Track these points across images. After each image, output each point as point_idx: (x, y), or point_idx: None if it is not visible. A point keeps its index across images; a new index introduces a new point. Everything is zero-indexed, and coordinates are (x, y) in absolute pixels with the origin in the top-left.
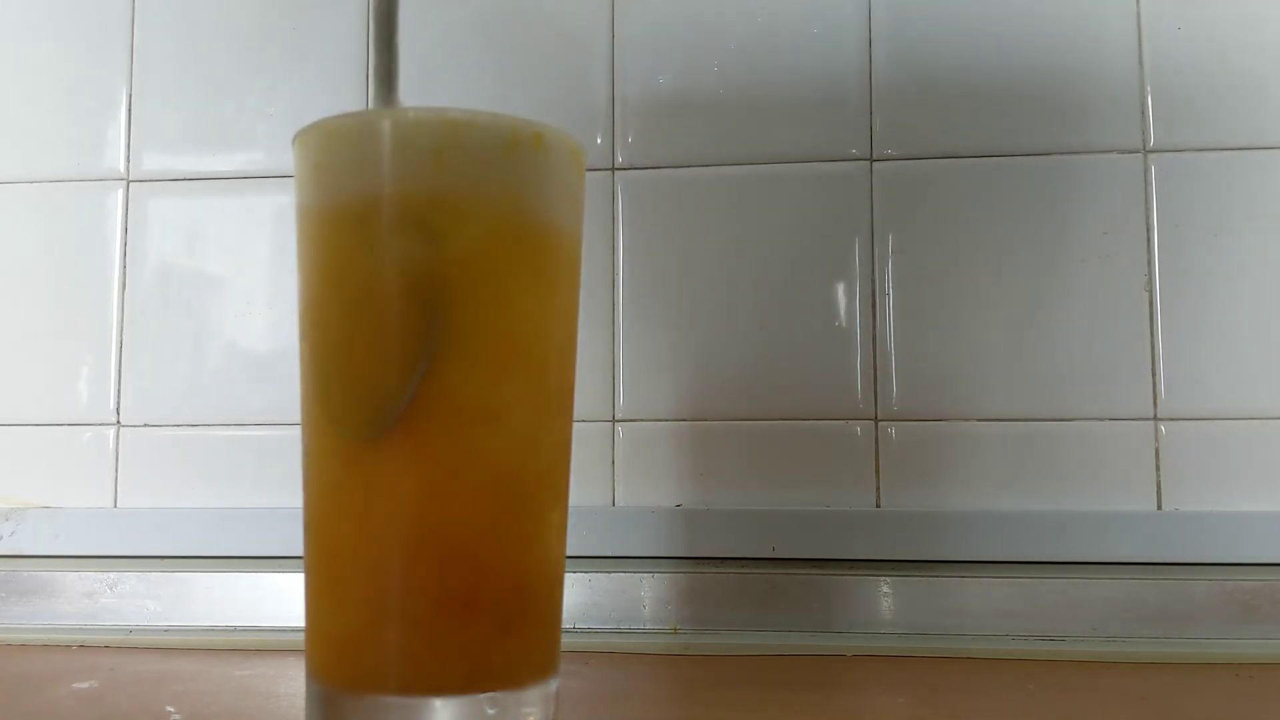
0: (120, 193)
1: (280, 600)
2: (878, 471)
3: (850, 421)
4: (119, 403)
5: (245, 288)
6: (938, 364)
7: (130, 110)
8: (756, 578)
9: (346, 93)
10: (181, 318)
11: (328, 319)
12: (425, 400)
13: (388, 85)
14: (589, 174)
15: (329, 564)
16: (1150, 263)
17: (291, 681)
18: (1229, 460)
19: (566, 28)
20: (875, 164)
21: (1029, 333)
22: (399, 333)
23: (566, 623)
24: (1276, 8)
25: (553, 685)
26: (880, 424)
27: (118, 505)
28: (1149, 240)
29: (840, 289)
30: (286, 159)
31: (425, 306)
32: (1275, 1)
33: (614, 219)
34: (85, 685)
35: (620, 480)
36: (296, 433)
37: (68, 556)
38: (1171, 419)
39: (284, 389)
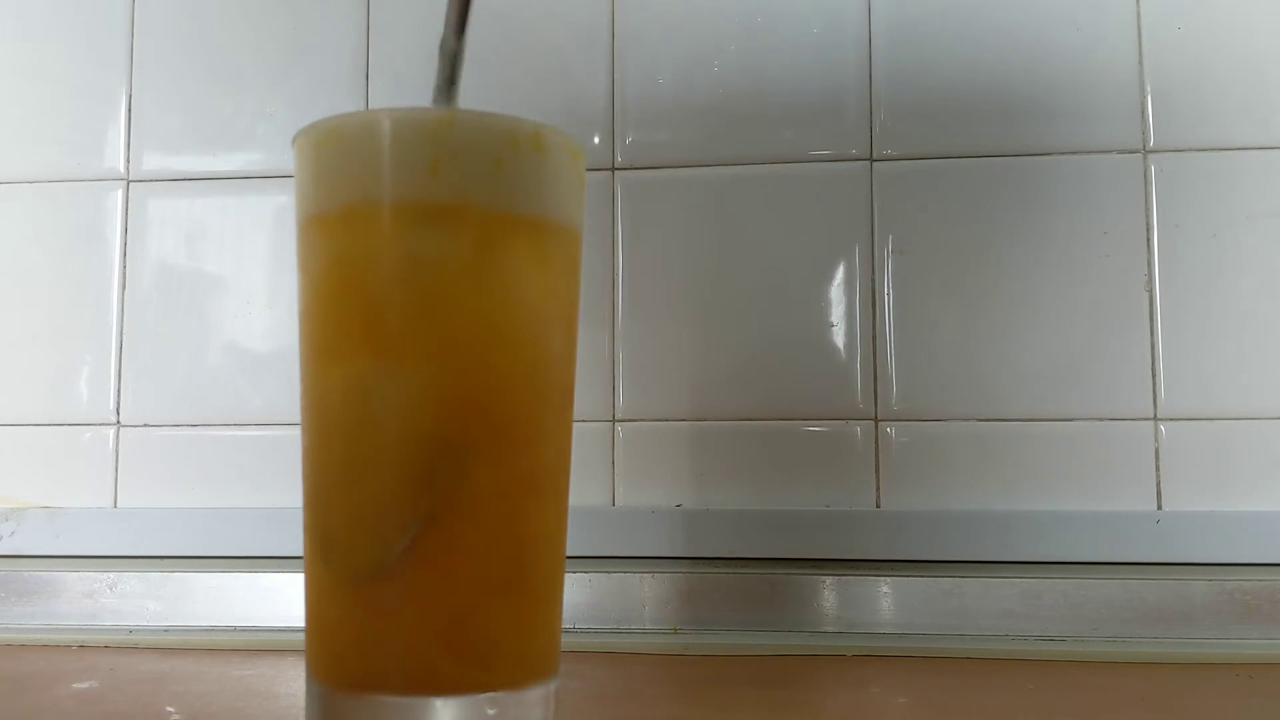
0: (120, 193)
1: (280, 600)
2: (878, 471)
3: (850, 421)
4: (119, 403)
5: (245, 288)
6: (938, 364)
7: (130, 110)
8: (756, 578)
9: (346, 93)
10: (181, 318)
11: (328, 320)
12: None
13: (450, 84)
14: (589, 174)
15: (329, 563)
16: (1150, 263)
17: (291, 681)
18: (1229, 460)
19: (566, 28)
20: (875, 164)
21: (1029, 333)
22: (398, 335)
23: (566, 623)
24: (1276, 8)
25: (553, 685)
26: (880, 424)
27: (118, 505)
28: (1149, 240)
29: (840, 289)
30: (286, 159)
31: (424, 308)
32: (1275, 2)
33: (614, 219)
34: (85, 685)
35: (620, 480)
36: (296, 432)
37: (68, 556)
38: (1171, 419)
39: (284, 389)
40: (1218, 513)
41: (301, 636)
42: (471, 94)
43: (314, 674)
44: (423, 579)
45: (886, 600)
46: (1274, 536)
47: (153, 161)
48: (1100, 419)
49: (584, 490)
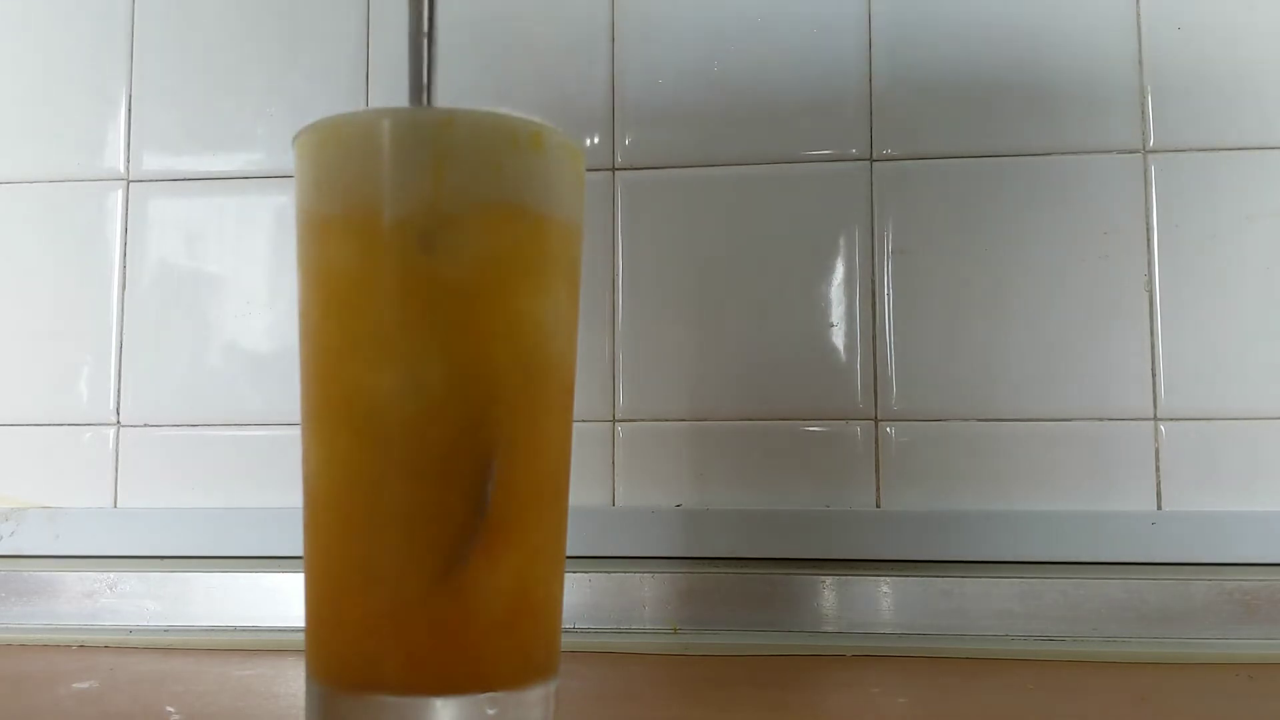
0: (120, 193)
1: (280, 600)
2: (878, 471)
3: (850, 421)
4: (119, 403)
5: (245, 288)
6: (938, 364)
7: (130, 110)
8: (756, 578)
9: (346, 93)
10: (181, 318)
11: (327, 322)
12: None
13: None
14: (589, 174)
15: (329, 563)
16: (1150, 263)
17: (291, 681)
18: (1229, 460)
19: (566, 28)
20: (875, 164)
21: (1029, 333)
22: (398, 336)
23: (566, 623)
24: (1275, 9)
25: (553, 685)
26: (880, 424)
27: (118, 505)
28: (1149, 240)
29: (840, 289)
30: (286, 159)
31: (424, 309)
32: (1274, 2)
33: (614, 219)
34: (85, 685)
35: (620, 480)
36: (296, 432)
37: (68, 556)
38: (1171, 419)
39: (284, 389)
40: (1218, 513)
41: (301, 636)
42: (472, 94)
43: (314, 674)
44: (422, 580)
45: (886, 600)
46: (1274, 536)
47: (153, 161)
48: (1100, 419)
49: (584, 490)
